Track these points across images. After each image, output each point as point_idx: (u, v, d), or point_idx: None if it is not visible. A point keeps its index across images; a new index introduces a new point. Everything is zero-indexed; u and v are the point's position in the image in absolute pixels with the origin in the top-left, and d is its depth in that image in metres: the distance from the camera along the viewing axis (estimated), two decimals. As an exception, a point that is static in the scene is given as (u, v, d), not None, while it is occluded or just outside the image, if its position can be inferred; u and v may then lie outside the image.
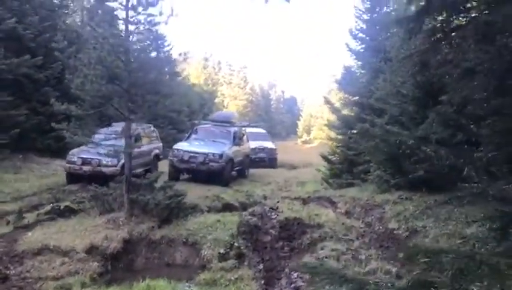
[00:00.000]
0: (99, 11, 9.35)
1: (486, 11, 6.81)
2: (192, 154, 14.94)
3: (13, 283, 6.77)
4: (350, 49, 16.84)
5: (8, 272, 7.03)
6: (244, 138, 18.36)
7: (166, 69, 26.21)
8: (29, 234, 8.59)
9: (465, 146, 2.81)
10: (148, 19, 9.18)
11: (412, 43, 9.21)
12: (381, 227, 8.68)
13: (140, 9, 9.08)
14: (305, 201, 11.63)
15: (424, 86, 9.79)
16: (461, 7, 7.73)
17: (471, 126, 3.00)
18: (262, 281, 6.90)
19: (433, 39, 8.52)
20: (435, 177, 8.17)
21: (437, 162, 2.77)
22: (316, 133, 60.70)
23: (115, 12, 9.68)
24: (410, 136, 7.37)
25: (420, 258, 2.08)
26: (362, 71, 17.10)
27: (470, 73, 4.49)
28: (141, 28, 9.48)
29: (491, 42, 3.12)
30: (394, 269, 5.99)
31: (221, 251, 8.22)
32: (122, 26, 9.59)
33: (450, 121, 3.38)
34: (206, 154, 14.88)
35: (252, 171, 19.35)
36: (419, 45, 8.78)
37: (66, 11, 22.37)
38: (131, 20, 9.26)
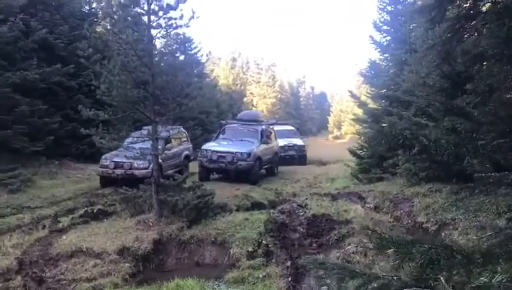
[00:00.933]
0: (122, 17, 9.51)
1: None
2: (220, 154, 15.09)
3: (48, 285, 7.01)
4: (374, 42, 16.62)
5: (43, 274, 7.28)
6: (272, 135, 18.37)
7: (195, 71, 26.59)
8: (64, 237, 8.87)
9: (474, 135, 2.76)
10: (169, 23, 9.33)
11: (436, 32, 9.04)
12: (410, 221, 8.56)
13: (160, 13, 9.24)
14: (334, 197, 11.56)
15: (450, 75, 9.57)
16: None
17: (475, 114, 2.93)
18: (290, 278, 6.91)
19: (457, 27, 8.36)
20: (446, 168, 8.00)
21: (434, 152, 2.72)
22: (347, 128, 60.17)
23: (137, 18, 9.85)
24: (437, 127, 7.22)
25: (389, 248, 2.07)
26: (388, 64, 16.85)
27: (484, 59, 4.36)
28: (163, 32, 9.65)
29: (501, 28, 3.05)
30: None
31: (250, 249, 8.29)
32: (144, 31, 9.76)
33: (454, 109, 3.30)
34: (234, 154, 14.99)
35: (281, 168, 19.35)
36: (443, 33, 8.63)
37: (96, 19, 22.93)
38: (153, 24, 9.44)
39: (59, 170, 17.57)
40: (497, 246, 2.32)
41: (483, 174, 2.73)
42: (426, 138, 2.99)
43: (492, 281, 1.69)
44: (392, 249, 2.06)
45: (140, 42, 9.55)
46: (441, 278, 1.88)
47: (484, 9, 8.17)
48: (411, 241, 2.03)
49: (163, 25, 9.20)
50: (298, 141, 25.02)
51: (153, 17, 9.34)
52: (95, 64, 9.05)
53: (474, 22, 7.43)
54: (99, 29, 23.22)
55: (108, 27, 24.42)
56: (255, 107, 56.81)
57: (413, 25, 13.74)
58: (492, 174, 2.68)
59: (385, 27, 16.32)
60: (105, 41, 9.35)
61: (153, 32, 9.54)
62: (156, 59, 9.68)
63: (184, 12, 9.53)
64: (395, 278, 2.14)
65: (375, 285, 2.35)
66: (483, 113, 2.96)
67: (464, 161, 2.62)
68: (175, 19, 9.36)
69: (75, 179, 16.86)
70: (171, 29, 9.61)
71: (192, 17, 9.56)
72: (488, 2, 8.15)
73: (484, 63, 8.36)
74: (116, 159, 14.20)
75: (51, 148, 17.56)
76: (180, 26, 9.53)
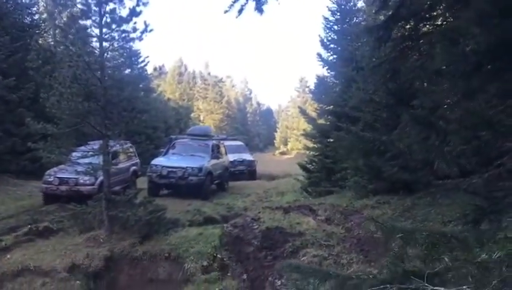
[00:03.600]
0: (73, 30, 9.32)
1: (451, 18, 7.13)
2: (170, 169, 14.92)
3: (-7, 307, 6.67)
4: (322, 59, 17.15)
5: (-13, 295, 6.91)
6: (223, 150, 18.42)
7: (141, 86, 26.26)
8: (8, 256, 8.47)
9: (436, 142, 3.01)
10: (122, 36, 9.24)
11: (382, 51, 9.52)
12: (360, 232, 8.82)
13: (113, 26, 9.14)
14: (285, 210, 11.68)
15: (396, 92, 10.06)
16: (427, 15, 8.07)
17: (440, 123, 3.18)
18: (247, 291, 6.94)
19: (402, 47, 8.86)
20: (408, 175, 8.39)
21: (410, 156, 2.92)
22: (293, 144, 61.22)
23: (88, 30, 9.68)
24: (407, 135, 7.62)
25: (396, 235, 2.22)
26: (335, 81, 17.42)
27: (438, 76, 4.69)
28: (115, 44, 9.54)
29: (456, 46, 3.32)
30: (375, 271, 6.12)
31: (205, 263, 8.27)
32: (96, 44, 9.60)
33: (420, 119, 3.55)
34: (185, 169, 14.87)
35: (231, 183, 19.38)
36: (389, 53, 9.11)
37: (38, 31, 22.21)
38: (105, 37, 9.31)
39: (-2, 187, 16.69)
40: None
41: (440, 181, 2.94)
42: (402, 144, 3.19)
43: (493, 257, 1.86)
44: (399, 235, 2.19)
45: (91, 55, 9.37)
46: (445, 258, 2.04)
47: (425, 30, 8.73)
48: (413, 229, 2.18)
49: (117, 37, 9.09)
50: (248, 156, 25.20)
51: (105, 30, 9.21)
52: (43, 76, 8.76)
53: (421, 41, 7.93)
54: (41, 41, 22.57)
55: (53, 39, 23.85)
56: (203, 122, 56.61)
57: (359, 43, 14.35)
58: (449, 181, 2.89)
59: (332, 45, 16.90)
60: (54, 53, 9.07)
61: (105, 44, 9.39)
62: (109, 72, 9.52)
63: (136, 25, 9.48)
64: (370, 277, 2.25)
65: (349, 285, 2.45)
66: (448, 122, 3.20)
67: (434, 166, 2.82)
68: (128, 32, 9.28)
69: (15, 196, 16.04)
70: (123, 43, 9.51)
71: (146, 30, 9.50)
72: (427, 25, 8.73)
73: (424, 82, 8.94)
74: (60, 175, 13.69)
75: (-11, 164, 16.70)
76: (133, 39, 9.47)
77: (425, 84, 8.96)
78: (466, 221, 3.44)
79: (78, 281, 7.61)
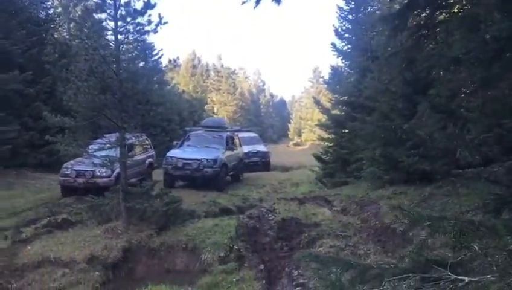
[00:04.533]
0: (88, 23, 9.37)
1: (468, 6, 7.01)
2: (186, 161, 14.99)
3: (15, 297, 6.79)
4: (337, 49, 17.02)
5: (9, 285, 7.04)
6: (237, 142, 18.44)
7: (155, 78, 26.38)
8: (29, 247, 8.60)
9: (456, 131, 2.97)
10: (137, 28, 9.27)
11: (398, 40, 9.40)
12: (377, 222, 8.78)
13: (128, 19, 9.16)
14: (301, 201, 11.72)
15: (412, 82, 9.96)
16: (443, 3, 7.94)
17: (461, 110, 3.14)
18: (264, 281, 6.97)
19: (418, 35, 8.74)
20: (429, 164, 8.30)
21: (431, 144, 2.89)
22: (307, 135, 61.06)
23: (103, 23, 9.71)
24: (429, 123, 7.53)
25: (423, 223, 2.21)
26: (350, 71, 17.29)
27: (457, 63, 4.63)
28: (130, 37, 9.57)
29: (476, 33, 3.26)
30: (393, 262, 6.10)
31: (221, 254, 8.31)
32: (111, 37, 9.63)
33: (440, 107, 3.49)
34: (200, 161, 14.93)
35: (246, 175, 19.43)
36: (405, 42, 8.99)
37: (53, 25, 22.40)
38: (120, 30, 9.34)
39: (17, 180, 16.96)
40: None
41: (461, 170, 2.91)
42: (423, 132, 3.17)
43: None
44: (426, 223, 2.18)
45: (106, 48, 9.42)
46: (474, 245, 2.02)
47: (441, 18, 8.59)
48: (440, 217, 2.17)
49: (132, 30, 9.12)
50: (262, 148, 25.21)
51: (120, 23, 9.24)
52: (59, 70, 8.84)
53: (437, 30, 7.82)
54: (56, 35, 22.76)
55: (68, 32, 24.03)
56: (216, 114, 56.70)
57: (374, 33, 14.21)
58: (470, 169, 2.86)
59: (347, 35, 16.75)
60: (70, 47, 9.14)
61: (120, 37, 9.43)
62: (124, 65, 9.56)
63: (151, 18, 9.49)
64: (391, 266, 2.25)
65: (371, 275, 2.44)
66: (470, 109, 3.16)
67: (456, 154, 2.80)
68: (143, 24, 9.30)
69: (34, 189, 16.29)
70: (138, 35, 9.54)
71: (160, 22, 9.51)
72: (444, 13, 8.59)
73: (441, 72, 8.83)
74: (77, 168, 13.85)
75: (7, 157, 16.94)
76: (148, 31, 9.48)
77: (441, 73, 8.85)
78: (486, 210, 3.40)
79: (97, 272, 7.70)
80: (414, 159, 8.74)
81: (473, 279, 2.01)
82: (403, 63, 9.42)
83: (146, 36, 9.83)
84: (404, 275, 2.24)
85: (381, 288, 2.13)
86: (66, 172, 13.99)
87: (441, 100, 3.92)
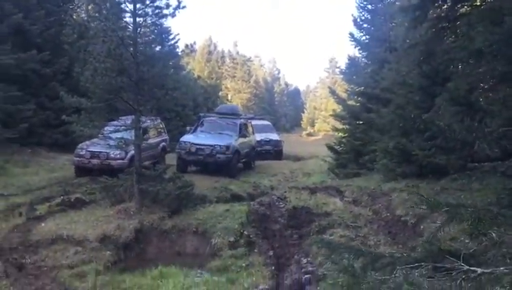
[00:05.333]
0: (107, 4, 9.39)
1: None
2: (199, 147, 15.07)
3: (29, 272, 6.92)
4: (354, 39, 16.86)
5: (23, 261, 7.17)
6: (250, 130, 18.46)
7: (171, 63, 26.44)
8: (42, 224, 8.76)
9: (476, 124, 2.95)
10: (156, 11, 9.28)
11: (417, 32, 9.29)
12: (388, 214, 8.77)
13: (147, 1, 9.18)
14: (312, 191, 11.72)
15: (430, 75, 9.85)
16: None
17: (481, 103, 3.12)
18: (273, 267, 7.03)
19: (438, 28, 8.62)
20: (444, 157, 8.23)
21: (450, 135, 2.87)
22: (320, 126, 60.77)
23: (122, 6, 9.73)
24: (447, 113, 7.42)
25: (441, 209, 2.21)
26: (367, 61, 17.14)
27: (478, 57, 4.57)
28: (148, 20, 9.59)
29: (499, 26, 3.21)
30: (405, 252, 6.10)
31: (231, 239, 8.38)
32: (129, 19, 9.66)
33: (459, 98, 3.47)
34: (213, 147, 15.00)
35: (257, 163, 19.46)
36: (424, 34, 8.88)
37: (72, 6, 22.48)
38: (139, 12, 9.37)
39: (32, 159, 17.19)
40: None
41: (476, 164, 2.90)
42: (442, 122, 3.15)
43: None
44: (444, 209, 2.19)
45: (124, 30, 9.45)
46: (492, 233, 2.03)
47: (463, 11, 8.45)
48: (458, 204, 2.17)
49: (150, 13, 9.14)
50: (274, 136, 25.19)
51: (138, 5, 9.26)
52: (77, 50, 8.91)
53: (458, 23, 7.70)
54: (75, 16, 22.89)
55: (86, 14, 24.13)
56: (230, 101, 56.69)
57: (393, 24, 14.05)
58: (486, 163, 2.85)
59: (365, 25, 16.58)
60: (88, 28, 9.19)
61: (138, 20, 9.45)
62: (141, 48, 9.60)
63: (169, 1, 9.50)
64: (404, 255, 2.25)
65: (382, 263, 2.45)
66: (491, 102, 3.13)
67: (475, 146, 2.78)
68: (161, 7, 9.31)
69: (48, 167, 16.51)
70: (156, 19, 9.56)
71: (178, 6, 9.53)
72: (465, 5, 8.44)
73: (459, 65, 8.70)
74: (92, 149, 14.00)
75: (24, 136, 17.18)
76: (166, 15, 9.50)
77: (460, 67, 8.73)
78: (500, 205, 3.38)
79: (108, 251, 7.82)
80: (430, 151, 8.66)
81: (485, 270, 2.01)
82: (422, 55, 9.34)
83: (164, 20, 9.85)
84: (416, 264, 2.25)
85: (393, 276, 2.15)
86: (81, 153, 14.15)
87: (460, 92, 3.87)
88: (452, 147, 3.48)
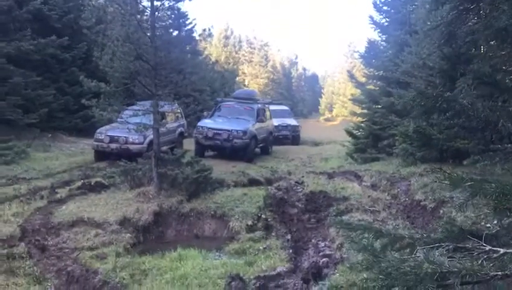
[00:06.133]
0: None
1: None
2: (216, 132, 15.11)
3: (51, 253, 7.06)
4: (374, 22, 16.61)
5: (46, 242, 7.32)
6: (267, 115, 18.41)
7: (188, 48, 26.40)
8: (63, 207, 8.91)
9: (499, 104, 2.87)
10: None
11: (439, 13, 9.08)
12: (407, 199, 8.71)
13: (165, -15, 9.15)
14: (330, 175, 11.69)
15: (451, 57, 9.64)
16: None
17: (507, 82, 3.03)
18: (290, 251, 7.05)
19: (460, 9, 8.41)
20: (467, 137, 8.10)
21: (472, 114, 2.80)
22: (338, 111, 60.43)
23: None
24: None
25: (465, 184, 2.18)
26: (387, 45, 16.88)
27: (502, 36, 4.43)
28: (166, 4, 9.56)
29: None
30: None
31: (249, 222, 8.41)
32: (147, 3, 9.65)
33: (485, 77, 3.36)
34: (230, 131, 15.02)
35: (275, 148, 19.44)
36: (446, 15, 8.68)
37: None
38: (157, -4, 9.35)
39: (52, 143, 17.51)
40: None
41: (499, 146, 2.84)
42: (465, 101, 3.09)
43: None
44: (467, 184, 2.16)
45: (142, 14, 9.46)
46: None
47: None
48: (482, 179, 2.14)
49: (167, -4, 9.12)
50: (292, 121, 25.12)
51: (156, -11, 9.24)
52: (96, 35, 8.94)
53: (481, 4, 7.50)
54: (93, 1, 22.97)
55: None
56: (247, 86, 56.56)
57: (414, 6, 13.77)
58: (509, 145, 2.78)
59: (385, 7, 16.31)
60: (106, 13, 9.21)
61: (156, 3, 9.43)
62: (157, 33, 9.59)
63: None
64: (424, 235, 2.23)
65: (402, 244, 2.42)
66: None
67: (498, 124, 2.72)
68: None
69: (68, 152, 16.79)
70: (174, 2, 9.53)
71: (196, -10, 9.47)
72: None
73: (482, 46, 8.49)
74: (111, 133, 14.17)
75: (44, 120, 17.46)
76: (183, -1, 9.46)
77: (483, 49, 8.53)
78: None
79: (128, 234, 7.92)
80: (451, 131, 8.50)
81: (508, 250, 1.98)
82: (443, 37, 9.12)
83: (181, 3, 9.81)
84: (436, 245, 2.22)
85: (413, 255, 2.13)
86: (100, 137, 14.32)
87: (485, 72, 3.77)
88: (475, 126, 3.40)
